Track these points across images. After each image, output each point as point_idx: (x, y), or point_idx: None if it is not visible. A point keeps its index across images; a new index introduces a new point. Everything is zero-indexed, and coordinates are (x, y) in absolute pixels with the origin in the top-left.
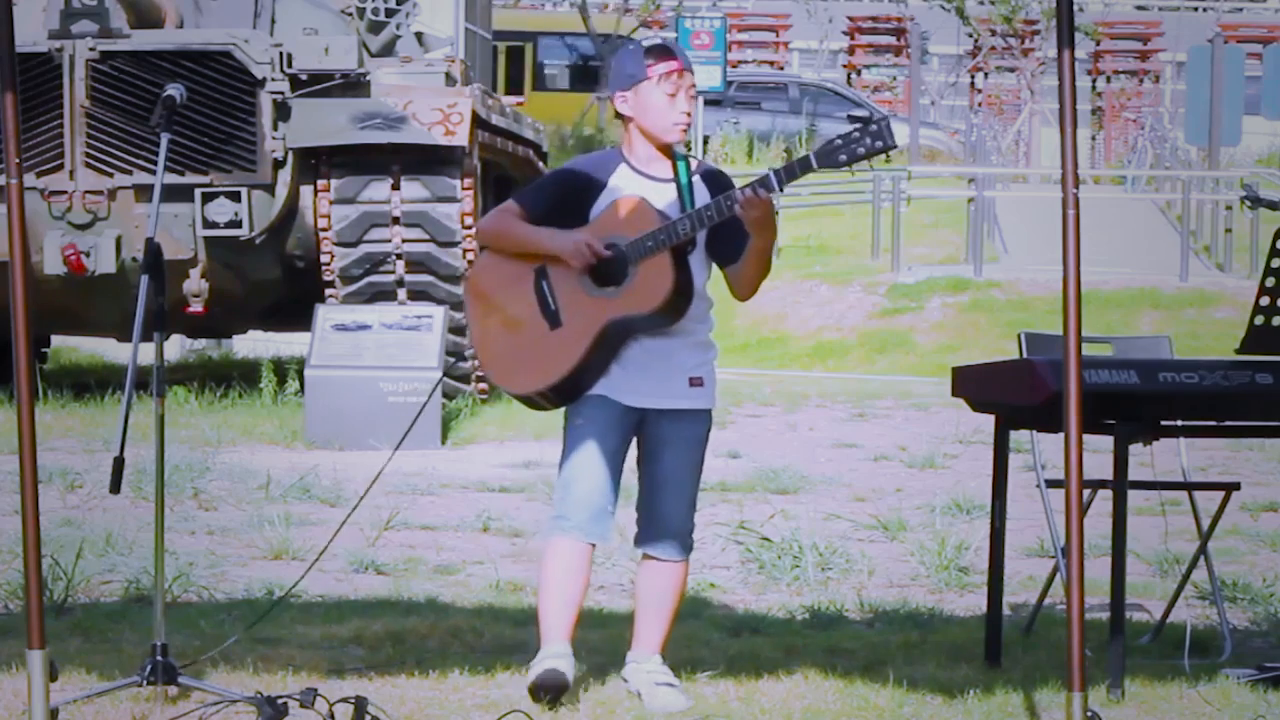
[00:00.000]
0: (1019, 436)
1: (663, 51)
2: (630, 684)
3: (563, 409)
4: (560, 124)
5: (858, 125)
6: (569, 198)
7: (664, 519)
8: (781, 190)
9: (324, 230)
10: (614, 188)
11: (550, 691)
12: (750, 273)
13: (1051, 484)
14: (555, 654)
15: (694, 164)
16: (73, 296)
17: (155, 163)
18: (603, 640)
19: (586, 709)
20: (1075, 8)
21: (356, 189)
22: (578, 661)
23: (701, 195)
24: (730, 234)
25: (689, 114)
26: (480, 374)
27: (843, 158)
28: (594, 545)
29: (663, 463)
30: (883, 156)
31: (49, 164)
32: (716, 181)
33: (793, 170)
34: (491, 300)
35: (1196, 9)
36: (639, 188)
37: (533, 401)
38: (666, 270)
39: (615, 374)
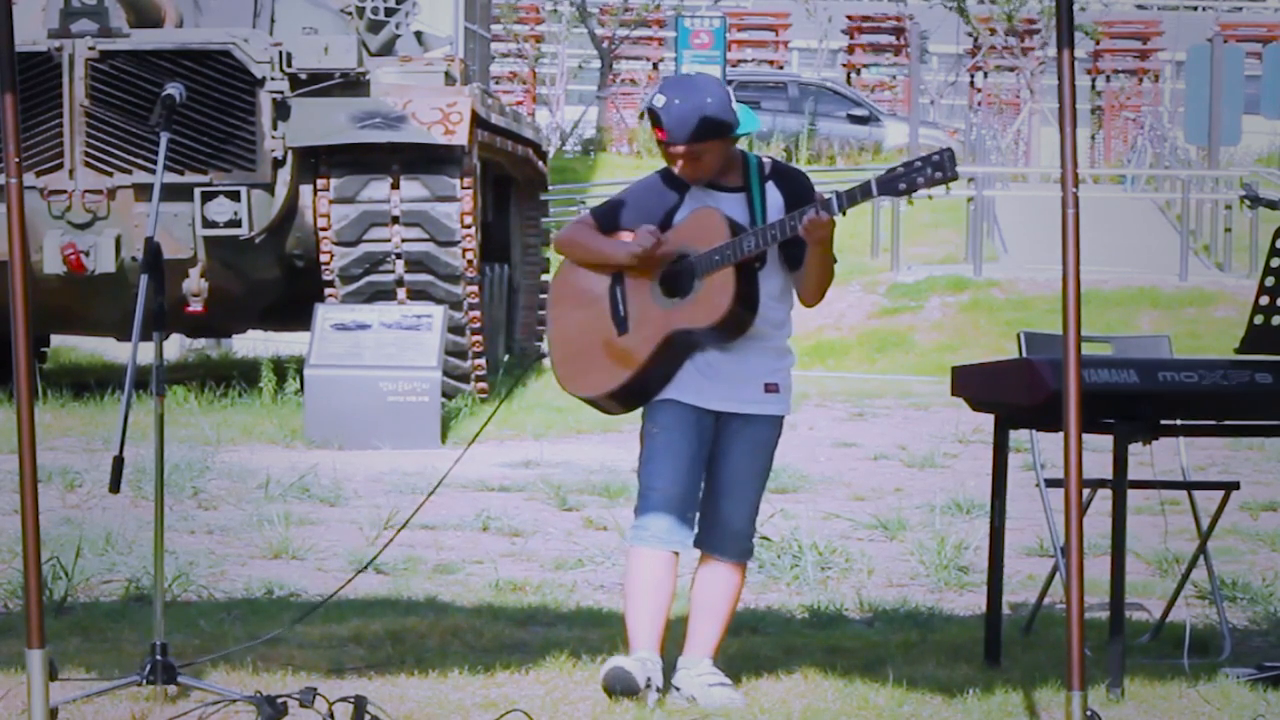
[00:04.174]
0: (1019, 436)
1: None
2: (682, 691)
3: (638, 412)
4: None
5: (921, 155)
6: (646, 216)
7: (725, 522)
8: (844, 214)
9: (324, 230)
10: (689, 199)
11: (618, 692)
12: (810, 282)
13: (1051, 483)
14: (634, 656)
15: (766, 166)
16: (72, 296)
17: (155, 162)
18: (601, 640)
19: (586, 709)
20: (1076, 7)
21: (356, 188)
22: (584, 660)
23: (773, 199)
24: (791, 240)
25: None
26: (483, 383)
27: (902, 186)
28: (677, 553)
29: (728, 467)
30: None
31: (49, 163)
32: (789, 182)
33: (854, 196)
34: (571, 302)
35: (1196, 9)
36: (711, 199)
37: (598, 405)
38: (729, 286)
39: (689, 377)
